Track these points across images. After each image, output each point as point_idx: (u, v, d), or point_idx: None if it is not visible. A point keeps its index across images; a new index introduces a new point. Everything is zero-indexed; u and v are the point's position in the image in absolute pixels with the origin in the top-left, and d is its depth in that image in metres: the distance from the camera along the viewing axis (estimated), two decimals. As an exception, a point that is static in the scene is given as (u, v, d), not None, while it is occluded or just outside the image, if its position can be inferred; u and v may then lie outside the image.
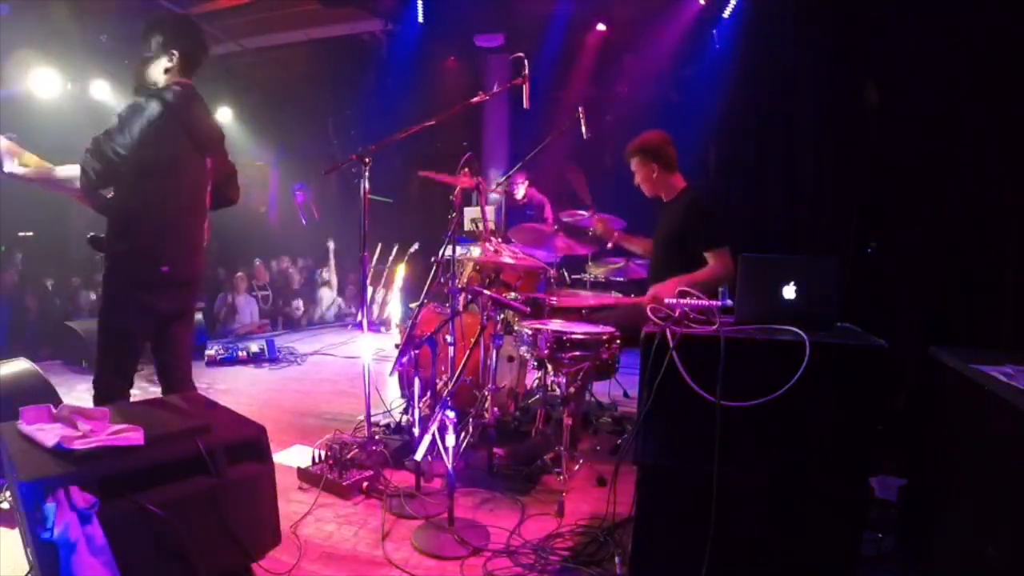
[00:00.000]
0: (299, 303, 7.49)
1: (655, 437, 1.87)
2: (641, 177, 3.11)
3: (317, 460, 2.74)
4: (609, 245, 3.54)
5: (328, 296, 7.73)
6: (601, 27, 6.38)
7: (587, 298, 3.34)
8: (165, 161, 2.32)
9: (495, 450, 2.88)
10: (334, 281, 7.77)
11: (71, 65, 5.56)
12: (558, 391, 2.70)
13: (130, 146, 2.24)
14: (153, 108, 2.28)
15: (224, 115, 7.35)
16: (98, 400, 2.33)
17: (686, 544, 1.78)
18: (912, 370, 2.94)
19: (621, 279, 4.03)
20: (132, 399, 2.39)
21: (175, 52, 2.38)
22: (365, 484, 2.61)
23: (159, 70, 2.39)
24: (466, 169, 2.91)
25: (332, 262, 7.70)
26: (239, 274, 6.93)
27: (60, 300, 6.20)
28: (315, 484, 2.61)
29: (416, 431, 2.86)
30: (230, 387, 4.42)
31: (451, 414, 2.20)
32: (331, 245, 7.66)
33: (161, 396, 2.44)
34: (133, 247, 2.32)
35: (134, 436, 1.70)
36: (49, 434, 1.68)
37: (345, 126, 8.30)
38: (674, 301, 1.95)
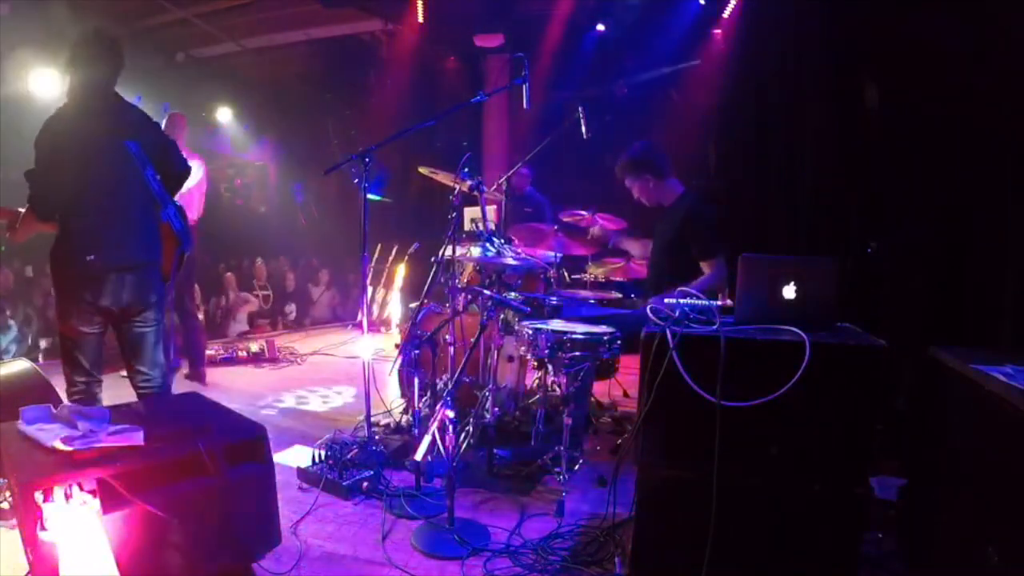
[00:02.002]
0: (292, 307, 7.51)
1: (655, 437, 1.87)
2: (638, 191, 3.14)
3: (317, 460, 2.74)
4: (609, 245, 3.55)
5: (325, 298, 7.75)
6: (601, 27, 6.38)
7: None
8: (70, 163, 2.32)
9: (495, 450, 2.88)
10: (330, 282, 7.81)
11: (71, 65, 5.55)
12: (558, 391, 2.70)
13: (41, 167, 2.30)
14: (43, 132, 2.32)
15: (224, 115, 7.34)
16: (68, 396, 2.38)
17: (686, 544, 1.78)
18: (912, 370, 2.94)
19: (621, 279, 4.03)
20: (128, 400, 2.40)
21: (73, 63, 2.40)
22: (365, 484, 2.61)
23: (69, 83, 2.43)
24: (466, 169, 2.91)
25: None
26: (228, 275, 6.94)
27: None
28: (315, 484, 2.61)
29: (416, 431, 2.86)
30: (230, 387, 4.42)
31: (451, 414, 2.20)
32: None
33: (157, 397, 2.44)
34: (58, 243, 2.35)
35: (134, 436, 1.70)
36: (49, 434, 1.68)
37: (345, 126, 8.30)
38: (674, 301, 1.95)
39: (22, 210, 2.40)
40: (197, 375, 4.42)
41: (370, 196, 2.77)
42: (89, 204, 2.36)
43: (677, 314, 1.87)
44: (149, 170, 2.50)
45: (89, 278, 2.35)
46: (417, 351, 2.78)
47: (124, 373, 2.65)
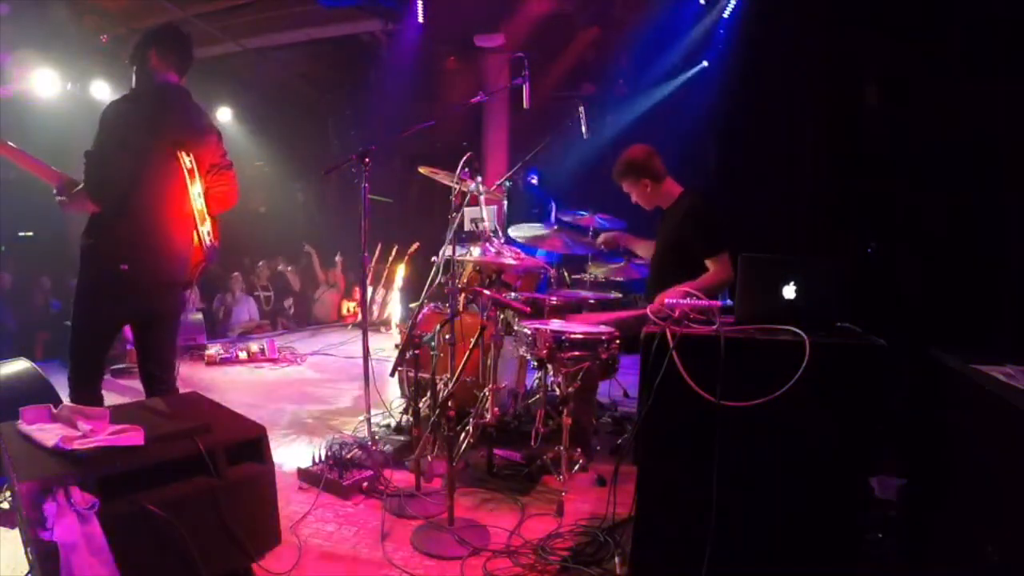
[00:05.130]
0: (290, 301, 7.51)
1: (655, 437, 1.88)
2: (636, 195, 3.14)
3: (317, 460, 2.74)
4: (620, 248, 3.55)
5: (325, 298, 7.74)
6: (600, 28, 6.39)
7: (590, 316, 3.33)
8: (126, 160, 2.29)
9: (495, 450, 2.88)
10: (340, 285, 7.78)
11: (71, 65, 5.56)
12: (558, 391, 2.70)
13: (100, 151, 2.27)
14: (110, 110, 2.29)
15: (224, 115, 7.34)
16: (71, 393, 2.36)
17: (686, 544, 1.78)
18: (912, 370, 2.94)
19: (621, 279, 4.03)
20: (130, 400, 2.40)
21: (147, 53, 2.41)
22: (365, 484, 2.61)
23: (136, 73, 2.44)
24: (466, 169, 2.91)
25: (338, 270, 7.72)
26: (235, 274, 6.93)
27: (60, 300, 6.21)
28: (315, 484, 2.61)
29: (416, 431, 2.85)
30: (230, 387, 4.42)
31: (451, 414, 2.20)
32: (338, 259, 7.71)
33: (161, 396, 2.44)
34: (95, 244, 2.33)
35: (134, 436, 1.70)
36: (49, 434, 1.68)
37: (345, 126, 8.30)
38: (674, 301, 1.96)
39: (79, 187, 2.34)
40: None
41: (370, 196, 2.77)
42: (134, 207, 2.32)
43: (677, 314, 1.87)
44: (196, 187, 2.48)
45: (119, 286, 2.33)
46: (417, 351, 2.78)
47: (111, 371, 2.63)
